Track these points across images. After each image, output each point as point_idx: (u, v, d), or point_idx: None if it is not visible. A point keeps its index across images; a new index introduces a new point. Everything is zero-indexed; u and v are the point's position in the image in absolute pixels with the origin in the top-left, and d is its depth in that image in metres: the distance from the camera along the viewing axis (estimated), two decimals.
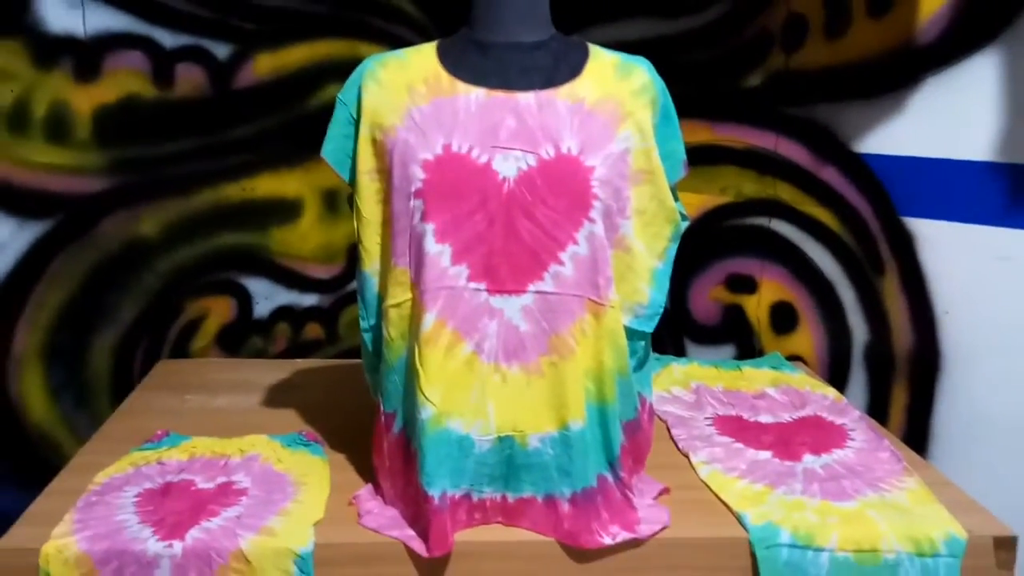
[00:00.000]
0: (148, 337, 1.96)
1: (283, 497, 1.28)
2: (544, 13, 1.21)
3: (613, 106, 1.20)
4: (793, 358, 1.99)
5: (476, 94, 1.18)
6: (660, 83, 1.24)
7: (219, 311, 1.97)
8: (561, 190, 1.15)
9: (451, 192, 1.15)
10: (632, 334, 1.25)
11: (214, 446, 1.44)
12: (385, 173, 1.20)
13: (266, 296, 1.96)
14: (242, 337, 2.01)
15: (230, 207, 1.88)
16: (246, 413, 1.62)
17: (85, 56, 1.78)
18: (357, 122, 1.21)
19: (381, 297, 1.24)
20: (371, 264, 1.25)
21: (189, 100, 1.82)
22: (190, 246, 1.91)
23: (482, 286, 1.16)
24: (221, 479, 1.33)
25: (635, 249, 1.24)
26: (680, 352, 2.06)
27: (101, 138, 1.81)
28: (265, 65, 1.83)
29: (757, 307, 2.03)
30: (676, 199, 1.27)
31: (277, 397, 1.71)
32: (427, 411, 1.16)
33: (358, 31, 1.84)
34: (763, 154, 1.94)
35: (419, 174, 1.16)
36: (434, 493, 1.16)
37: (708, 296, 2.03)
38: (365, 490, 1.31)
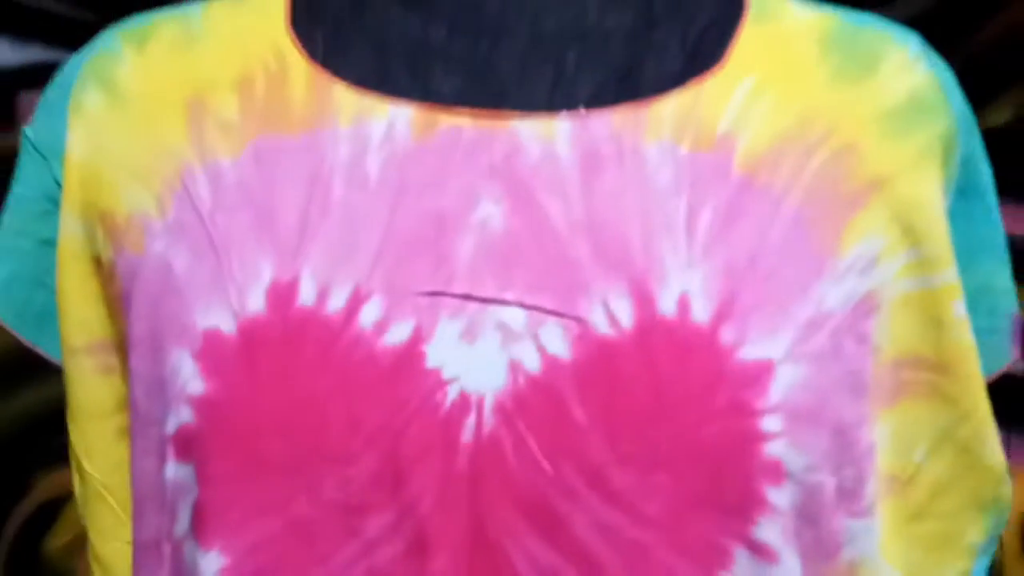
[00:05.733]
0: None
1: None
2: None
3: (826, 161, 0.42)
4: None
5: (390, 121, 0.41)
6: (957, 93, 0.48)
7: None
8: (658, 444, 0.37)
9: (282, 446, 0.38)
10: None
11: None
12: (125, 353, 0.45)
13: None
14: None
15: None
16: None
17: None
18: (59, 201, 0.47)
19: None
20: None
21: None
22: (40, 386, 1.35)
23: None
24: None
25: None
26: None
27: None
28: None
29: None
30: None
31: None
32: None
33: None
34: (1015, 247, 1.25)
35: (189, 379, 0.39)
36: None
37: None
38: None
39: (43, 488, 1.40)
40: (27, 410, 1.39)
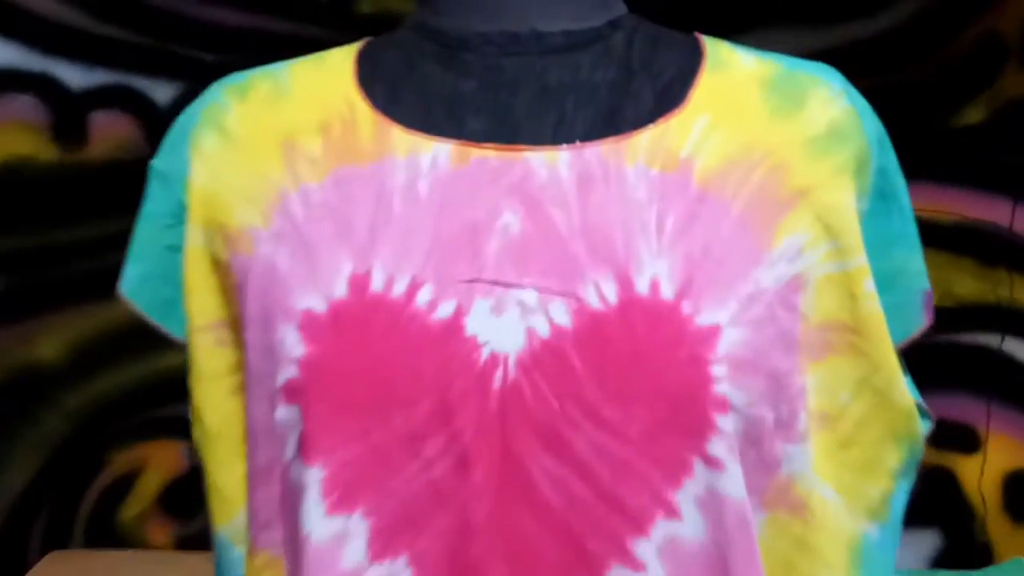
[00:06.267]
0: (50, 506, 1.58)
1: None
2: None
3: (763, 177, 0.55)
4: None
5: (434, 155, 0.55)
6: (871, 120, 0.59)
7: (162, 461, 1.60)
8: (636, 386, 0.51)
9: (363, 392, 0.52)
10: None
11: None
12: (240, 331, 0.58)
13: None
14: (201, 496, 1.53)
15: None
16: None
17: None
18: (186, 217, 0.60)
19: None
20: (231, 519, 0.63)
21: (111, 164, 1.48)
22: (114, 371, 1.55)
23: None
24: None
25: (817, 504, 0.57)
26: None
27: None
28: None
29: (980, 476, 1.55)
30: (906, 374, 0.59)
31: None
32: None
33: None
34: (988, 232, 1.48)
35: (293, 346, 0.53)
36: None
37: None
38: None
39: (118, 464, 1.57)
40: (103, 393, 1.55)
